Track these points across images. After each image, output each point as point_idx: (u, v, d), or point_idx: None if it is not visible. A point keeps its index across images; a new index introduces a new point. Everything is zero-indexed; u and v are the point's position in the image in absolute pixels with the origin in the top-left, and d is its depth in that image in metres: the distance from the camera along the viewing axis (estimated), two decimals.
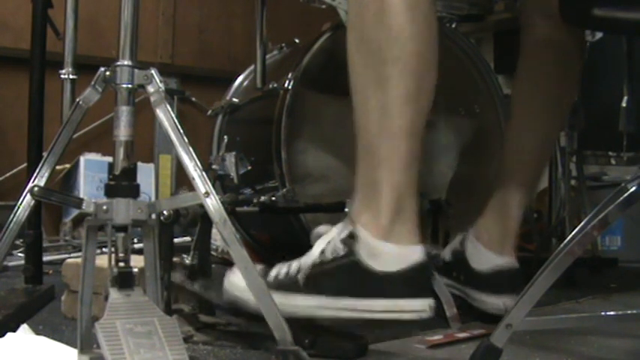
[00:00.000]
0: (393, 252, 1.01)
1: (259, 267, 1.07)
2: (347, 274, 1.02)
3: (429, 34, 1.03)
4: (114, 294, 0.85)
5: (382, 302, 1.01)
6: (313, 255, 1.05)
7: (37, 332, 1.09)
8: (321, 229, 1.09)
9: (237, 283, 1.08)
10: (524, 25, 1.37)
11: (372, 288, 1.01)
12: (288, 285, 1.02)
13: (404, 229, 1.02)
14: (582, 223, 0.97)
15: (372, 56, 1.03)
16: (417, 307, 1.01)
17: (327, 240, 1.06)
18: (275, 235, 1.92)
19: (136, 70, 0.93)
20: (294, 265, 1.06)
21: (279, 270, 1.07)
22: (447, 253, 1.47)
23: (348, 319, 1.03)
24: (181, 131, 0.93)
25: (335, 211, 1.43)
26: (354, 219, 1.04)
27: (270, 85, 1.69)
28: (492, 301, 1.33)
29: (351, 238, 1.03)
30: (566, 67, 1.36)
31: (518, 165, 1.39)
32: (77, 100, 0.93)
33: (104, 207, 0.89)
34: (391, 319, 1.02)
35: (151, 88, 0.93)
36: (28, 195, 0.91)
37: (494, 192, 1.42)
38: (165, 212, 1.12)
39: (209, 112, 2.06)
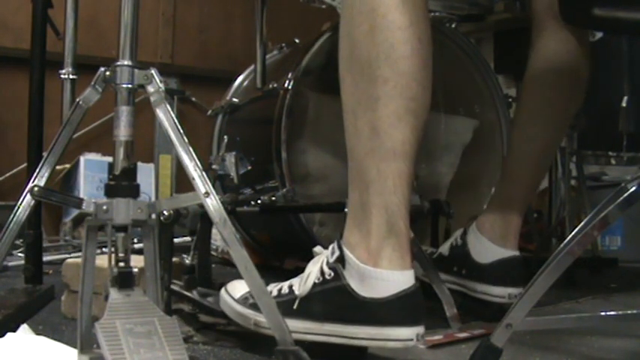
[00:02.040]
0: (381, 277, 0.99)
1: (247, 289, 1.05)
2: (334, 299, 1.01)
3: (423, 54, 1.00)
4: (114, 294, 0.85)
5: (367, 330, 0.99)
6: (304, 278, 1.04)
7: (37, 332, 1.09)
8: (316, 249, 1.08)
9: (231, 305, 1.08)
10: (535, 32, 1.37)
11: (358, 314, 0.99)
12: (281, 307, 1.00)
13: (394, 254, 1.00)
14: (582, 223, 0.97)
15: (362, 75, 1.01)
16: (402, 335, 0.99)
17: (318, 263, 1.04)
18: (275, 235, 1.92)
19: (136, 70, 0.93)
20: (286, 286, 1.06)
21: (272, 291, 1.05)
22: (444, 249, 1.47)
23: (335, 344, 1.01)
24: (181, 131, 0.93)
25: (335, 211, 1.43)
26: (344, 241, 1.03)
27: (270, 85, 1.69)
28: (497, 292, 1.34)
29: (339, 262, 1.02)
30: (576, 77, 1.36)
31: (522, 166, 1.40)
32: (77, 100, 0.93)
33: (104, 207, 0.89)
34: (377, 347, 1.01)
35: (151, 88, 0.93)
36: (28, 195, 0.91)
37: (497, 187, 1.44)
38: (165, 212, 1.12)
39: (209, 112, 2.06)
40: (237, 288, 1.10)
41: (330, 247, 1.05)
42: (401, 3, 0.99)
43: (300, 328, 1.01)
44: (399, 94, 0.99)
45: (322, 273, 1.02)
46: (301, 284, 1.03)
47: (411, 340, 0.99)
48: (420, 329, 0.99)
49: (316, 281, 1.02)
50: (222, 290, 1.12)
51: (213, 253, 1.73)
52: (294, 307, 1.01)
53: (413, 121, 1.00)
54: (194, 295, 1.21)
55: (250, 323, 1.05)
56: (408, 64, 0.99)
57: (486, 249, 1.38)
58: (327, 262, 1.03)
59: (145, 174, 2.78)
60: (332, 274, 1.02)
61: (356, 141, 1.03)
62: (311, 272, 1.04)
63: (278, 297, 1.04)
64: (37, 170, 0.91)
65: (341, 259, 1.02)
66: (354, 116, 1.03)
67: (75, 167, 2.69)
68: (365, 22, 1.01)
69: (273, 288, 1.06)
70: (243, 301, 1.07)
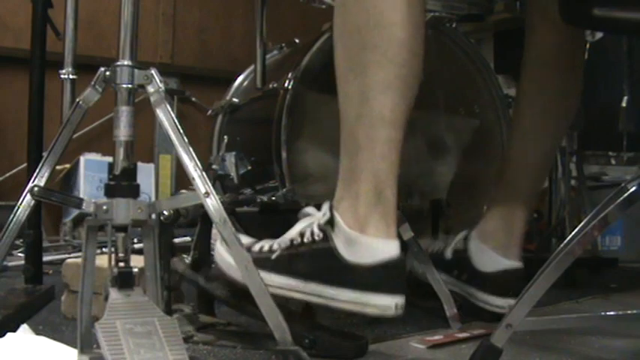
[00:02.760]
0: (367, 244, 1.01)
1: (248, 241, 1.07)
2: (320, 260, 1.02)
3: (414, 21, 1.01)
4: (114, 294, 0.85)
5: (348, 293, 1.01)
6: (290, 235, 1.06)
7: (37, 332, 1.09)
8: (307, 209, 1.09)
9: (227, 260, 1.08)
10: (528, 32, 1.37)
11: (342, 277, 1.01)
12: (262, 261, 1.02)
13: (380, 222, 1.02)
14: (582, 223, 0.97)
15: (352, 42, 1.02)
16: (382, 302, 1.00)
17: (307, 222, 1.06)
18: (275, 235, 1.92)
19: (136, 70, 0.93)
20: (276, 244, 1.07)
21: (262, 245, 1.08)
22: (448, 252, 1.47)
23: (313, 303, 1.03)
24: (181, 131, 0.93)
25: None
26: (335, 205, 1.04)
27: (270, 85, 1.69)
28: (496, 303, 1.33)
29: (329, 224, 1.03)
30: (571, 76, 1.36)
31: (521, 171, 1.38)
32: (77, 100, 0.93)
33: (104, 207, 0.89)
34: (355, 311, 1.01)
35: (151, 88, 0.93)
36: (28, 195, 0.91)
37: (498, 195, 1.42)
38: (165, 212, 1.12)
39: (209, 112, 2.06)
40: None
41: (322, 209, 1.06)
42: None
43: (284, 284, 1.03)
44: (388, 61, 1.00)
45: (312, 233, 1.04)
46: (290, 241, 1.06)
47: (390, 308, 1.00)
48: (399, 299, 1.01)
49: (305, 240, 1.05)
50: (217, 242, 1.13)
51: (213, 253, 1.73)
52: (278, 262, 1.03)
53: (402, 88, 1.01)
54: (197, 277, 1.20)
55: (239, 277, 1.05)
56: (397, 30, 1.00)
57: (488, 258, 1.37)
58: (318, 224, 1.04)
59: (145, 174, 2.78)
60: (321, 235, 1.04)
61: (347, 106, 1.04)
62: (300, 230, 1.06)
63: (265, 252, 1.06)
64: (37, 170, 0.91)
65: (330, 222, 1.03)
66: (346, 82, 1.04)
67: (75, 167, 2.69)
68: None
69: (265, 243, 1.08)
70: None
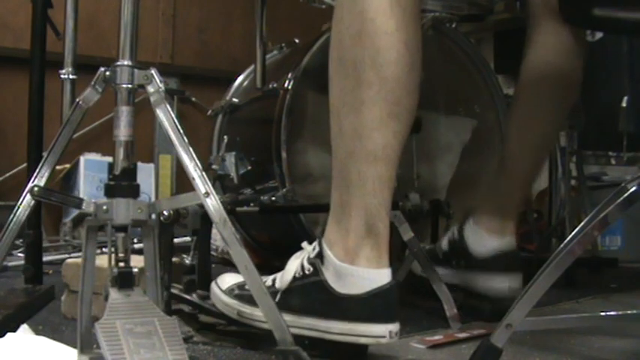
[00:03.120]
0: (357, 275, 1.01)
1: (241, 279, 1.07)
2: (311, 294, 1.03)
3: (409, 59, 1.00)
4: (114, 294, 0.85)
5: (340, 325, 1.01)
6: (286, 272, 1.06)
7: (37, 332, 1.10)
8: (304, 244, 1.10)
9: (218, 295, 1.12)
10: (530, 28, 1.37)
11: (333, 309, 1.01)
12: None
13: (371, 253, 1.02)
14: (582, 223, 0.97)
15: (348, 78, 1.01)
16: (375, 332, 1.00)
17: (298, 259, 1.07)
18: (275, 235, 1.92)
19: (136, 70, 0.93)
20: (270, 280, 1.08)
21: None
22: (444, 244, 1.48)
23: (310, 337, 1.03)
24: (181, 131, 0.93)
25: None
26: (325, 238, 1.05)
27: (270, 85, 1.69)
28: (496, 282, 1.36)
29: (318, 258, 1.04)
30: (570, 70, 1.36)
31: (517, 157, 1.40)
32: (77, 100, 0.93)
33: (104, 207, 0.89)
34: (349, 342, 1.02)
35: (150, 88, 0.93)
36: (28, 195, 0.91)
37: (492, 181, 1.45)
38: (165, 212, 1.12)
39: (209, 112, 2.06)
40: (226, 280, 1.13)
41: (313, 244, 1.07)
42: (389, 7, 0.99)
43: None
44: (382, 99, 1.00)
45: (302, 268, 1.05)
46: (282, 278, 1.06)
47: (384, 337, 1.01)
48: (393, 327, 1.01)
49: (297, 275, 1.05)
50: (213, 283, 1.15)
51: (213, 253, 1.73)
52: (276, 300, 1.03)
53: (396, 126, 1.01)
54: (194, 297, 1.21)
55: (234, 313, 1.09)
56: (393, 69, 1.00)
57: (484, 240, 1.39)
58: (308, 258, 1.05)
59: (145, 174, 2.78)
60: (311, 269, 1.04)
61: (339, 142, 1.04)
62: (291, 267, 1.06)
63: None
64: (37, 170, 0.91)
65: (320, 256, 1.04)
66: (339, 117, 1.04)
67: (75, 167, 2.68)
68: (353, 25, 1.01)
69: (267, 280, 1.08)
70: (229, 292, 1.11)
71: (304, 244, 1.09)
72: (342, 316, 1.01)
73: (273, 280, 1.08)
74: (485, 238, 1.39)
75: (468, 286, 1.41)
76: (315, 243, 1.06)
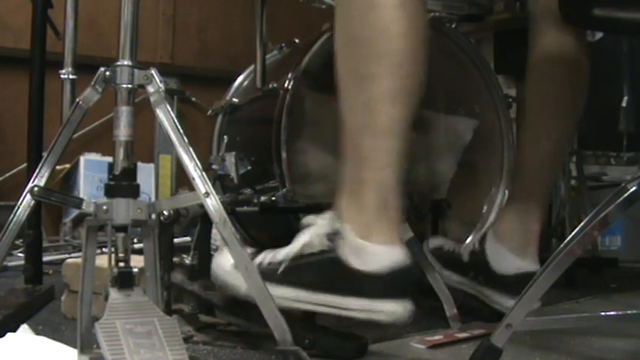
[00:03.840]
0: (375, 251, 1.01)
1: (249, 250, 1.07)
2: (327, 270, 1.02)
3: (417, 32, 1.02)
4: (114, 294, 0.85)
5: (357, 301, 1.01)
6: (296, 246, 1.06)
7: (37, 332, 1.10)
8: (308, 219, 1.09)
9: (224, 265, 1.08)
10: (532, 32, 1.37)
11: (350, 286, 1.01)
12: (268, 274, 1.02)
13: (387, 229, 1.02)
14: (582, 223, 0.97)
15: (357, 54, 1.02)
16: (391, 309, 1.01)
17: (311, 232, 1.06)
18: (275, 235, 1.92)
19: (136, 70, 0.93)
20: (280, 254, 1.06)
21: (265, 257, 1.07)
22: (465, 255, 1.46)
23: (322, 313, 1.03)
24: (181, 131, 0.93)
25: None
26: (340, 215, 1.04)
27: (270, 85, 1.69)
28: (512, 304, 1.33)
29: (335, 234, 1.04)
30: (577, 73, 1.36)
31: (534, 172, 1.39)
32: (77, 100, 0.93)
33: (104, 207, 0.89)
34: (364, 319, 1.02)
35: (151, 88, 0.93)
36: (28, 195, 0.91)
37: (513, 196, 1.42)
38: (165, 212, 1.12)
39: (209, 112, 2.06)
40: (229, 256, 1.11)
41: (325, 219, 1.06)
42: None
43: (291, 296, 1.03)
44: (392, 72, 1.01)
45: (319, 243, 1.04)
46: (296, 252, 1.05)
47: (400, 313, 1.01)
48: (408, 304, 1.02)
49: (312, 251, 1.04)
50: (215, 261, 1.12)
51: (213, 253, 1.73)
52: (285, 274, 1.03)
53: (406, 99, 1.02)
54: (195, 287, 1.20)
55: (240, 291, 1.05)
56: (401, 42, 1.01)
57: (506, 259, 1.36)
58: (326, 233, 1.04)
59: (145, 174, 2.78)
60: (328, 245, 1.03)
61: (351, 117, 1.04)
62: (305, 241, 1.05)
63: (269, 264, 1.05)
64: (37, 170, 0.91)
65: (336, 231, 1.03)
66: (349, 93, 1.04)
67: (75, 167, 2.69)
68: (359, 2, 1.02)
69: (267, 255, 1.07)
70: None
71: (311, 218, 1.08)
72: (359, 292, 1.01)
73: (281, 257, 1.06)
74: (507, 258, 1.36)
75: (484, 300, 1.39)
76: (329, 218, 1.05)
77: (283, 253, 1.07)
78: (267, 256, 1.07)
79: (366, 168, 1.02)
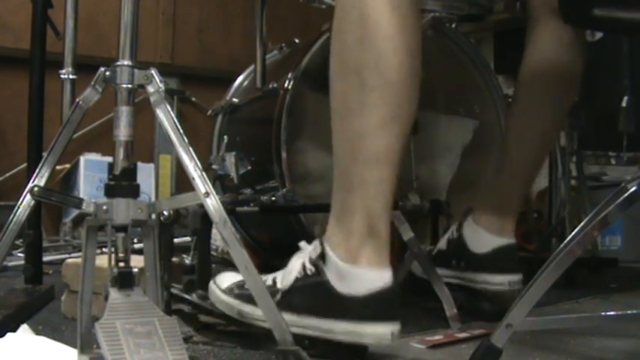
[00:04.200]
0: (359, 275, 1.01)
1: (240, 278, 1.08)
2: (314, 294, 1.04)
3: (411, 63, 1.01)
4: (114, 294, 0.85)
5: (343, 325, 1.02)
6: (288, 272, 1.07)
7: (37, 332, 1.10)
8: (301, 244, 1.10)
9: (218, 295, 1.12)
10: (530, 31, 1.38)
11: (336, 309, 1.02)
12: None
13: (373, 254, 1.02)
14: (582, 223, 0.97)
15: (350, 82, 1.02)
16: (378, 332, 1.01)
17: (300, 258, 1.07)
18: (275, 235, 1.92)
19: (136, 70, 0.93)
20: (270, 279, 1.08)
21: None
22: (442, 244, 1.48)
23: (311, 336, 1.03)
24: (181, 131, 0.93)
25: None
26: (326, 239, 1.05)
27: (270, 85, 1.69)
28: (496, 280, 1.36)
29: (320, 259, 1.04)
30: (570, 71, 1.36)
31: (517, 156, 1.40)
32: (77, 100, 0.93)
33: (104, 207, 0.89)
34: (352, 342, 1.02)
35: (150, 88, 0.93)
36: (28, 195, 0.91)
37: (491, 180, 1.45)
38: (165, 212, 1.12)
39: (209, 112, 2.06)
40: (225, 280, 1.14)
41: (313, 244, 1.07)
42: (390, 11, 1.00)
43: None
44: (385, 103, 1.01)
45: (304, 268, 1.05)
46: (284, 278, 1.06)
47: (386, 337, 1.01)
48: (395, 327, 1.02)
49: (298, 276, 1.06)
50: (211, 282, 1.15)
51: (213, 253, 1.73)
52: (277, 299, 1.03)
53: (397, 128, 1.02)
54: (194, 297, 1.21)
55: (234, 312, 1.10)
56: (395, 73, 1.00)
57: (483, 239, 1.39)
58: (310, 258, 1.06)
59: (145, 174, 2.78)
60: (313, 269, 1.05)
61: (341, 144, 1.05)
62: (294, 267, 1.07)
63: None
64: (37, 170, 0.91)
65: (322, 256, 1.04)
66: (341, 120, 1.04)
67: (75, 167, 2.68)
68: (355, 30, 1.02)
69: (267, 279, 1.08)
70: (229, 291, 1.11)
71: (302, 243, 1.10)
72: (345, 316, 1.01)
73: (274, 280, 1.08)
74: (484, 237, 1.39)
75: (468, 286, 1.41)
76: (316, 243, 1.07)
77: (275, 279, 1.08)
78: (267, 281, 1.08)
79: (354, 196, 1.03)
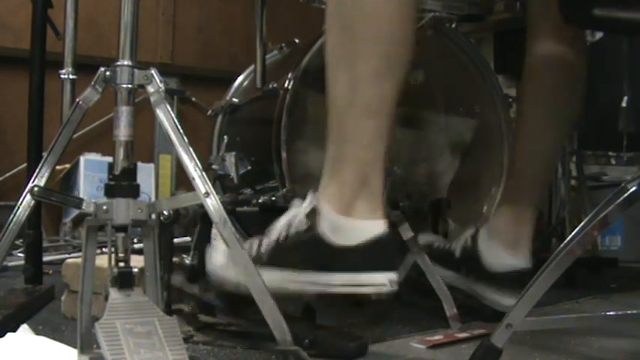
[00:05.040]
0: (353, 226, 1.02)
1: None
2: (309, 248, 1.03)
3: (404, 14, 1.02)
4: (114, 294, 0.85)
5: (341, 276, 1.02)
6: (277, 229, 1.07)
7: (37, 332, 1.10)
8: (295, 201, 1.10)
9: (219, 261, 1.11)
10: (530, 33, 1.37)
11: (333, 262, 1.02)
12: (255, 259, 1.02)
13: (367, 205, 1.03)
14: (582, 223, 0.97)
15: (344, 33, 1.03)
16: (375, 280, 1.01)
17: (292, 214, 1.07)
18: None
19: (136, 70, 0.93)
20: (264, 240, 1.08)
21: (251, 244, 1.08)
22: (457, 250, 1.46)
23: (311, 292, 1.03)
24: (181, 131, 0.93)
25: None
26: (319, 193, 1.05)
27: (270, 85, 1.69)
28: (505, 302, 1.33)
29: (314, 213, 1.04)
30: (573, 74, 1.36)
31: (529, 168, 1.39)
32: (77, 100, 0.93)
33: (104, 207, 0.89)
34: (351, 293, 1.02)
35: (151, 88, 0.93)
36: (28, 195, 0.91)
37: (506, 193, 1.44)
38: (165, 212, 1.12)
39: (209, 112, 2.06)
40: (220, 251, 1.13)
41: (308, 199, 1.07)
42: None
43: (278, 277, 1.03)
44: (377, 53, 1.01)
45: (298, 223, 1.05)
46: (278, 235, 1.06)
47: (384, 284, 1.01)
48: (392, 275, 1.02)
49: (292, 231, 1.06)
50: (209, 250, 1.14)
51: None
52: (271, 257, 1.04)
53: (391, 79, 1.03)
54: (195, 289, 1.21)
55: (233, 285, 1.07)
56: (387, 23, 1.01)
57: (498, 256, 1.37)
58: (304, 213, 1.06)
59: (145, 174, 2.78)
60: (308, 223, 1.05)
61: (335, 96, 1.05)
62: (286, 222, 1.07)
63: (258, 250, 1.06)
64: (37, 170, 0.91)
65: (315, 211, 1.04)
66: (335, 71, 1.05)
67: (75, 167, 2.69)
68: None
69: (252, 243, 1.08)
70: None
71: (296, 201, 1.10)
72: (342, 267, 1.01)
73: (260, 241, 1.07)
74: (499, 253, 1.37)
75: (476, 296, 1.40)
76: (310, 198, 1.06)
77: (267, 239, 1.08)
78: (253, 243, 1.08)
79: (347, 146, 1.03)
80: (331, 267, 1.02)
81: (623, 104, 1.89)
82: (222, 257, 1.11)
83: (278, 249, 1.05)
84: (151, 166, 2.89)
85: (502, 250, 1.37)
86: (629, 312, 1.06)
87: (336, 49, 1.05)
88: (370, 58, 1.01)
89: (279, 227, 1.07)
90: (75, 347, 0.89)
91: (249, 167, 1.74)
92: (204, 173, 0.92)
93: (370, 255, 1.01)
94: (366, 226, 1.02)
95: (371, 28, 1.01)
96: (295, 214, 1.07)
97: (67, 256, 2.08)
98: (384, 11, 1.01)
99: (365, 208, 1.02)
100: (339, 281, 1.02)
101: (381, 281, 1.01)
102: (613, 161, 2.16)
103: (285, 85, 1.65)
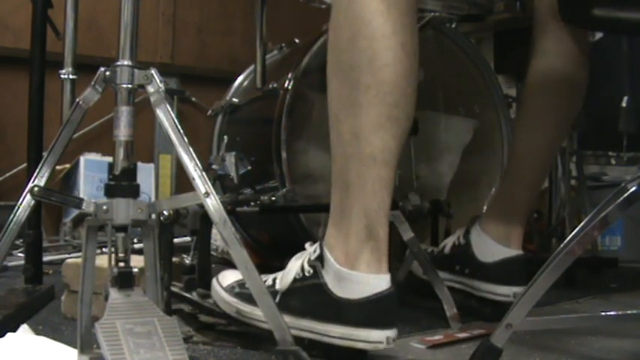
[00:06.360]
0: (357, 280, 1.01)
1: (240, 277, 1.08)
2: (310, 296, 1.03)
3: (406, 62, 1.00)
4: (114, 294, 0.85)
5: (339, 328, 1.01)
6: (287, 273, 1.07)
7: (37, 332, 1.10)
8: (307, 245, 1.10)
9: (219, 292, 1.13)
10: (535, 34, 1.38)
11: (332, 313, 1.01)
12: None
13: (371, 258, 1.01)
14: (582, 223, 0.97)
15: (345, 81, 1.02)
16: (372, 338, 1.00)
17: (299, 260, 1.07)
18: (275, 235, 1.92)
19: (136, 70, 0.93)
20: (270, 279, 1.08)
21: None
22: (446, 248, 1.47)
23: (306, 339, 1.03)
24: (181, 131, 0.93)
25: None
26: (325, 241, 1.05)
27: (270, 85, 1.69)
28: (502, 291, 1.35)
29: (318, 261, 1.04)
30: (576, 78, 1.36)
31: (525, 164, 1.40)
32: (77, 100, 0.93)
33: (104, 207, 0.89)
34: (346, 346, 1.02)
35: (150, 88, 0.93)
36: (28, 195, 0.91)
37: (499, 187, 1.44)
38: (165, 212, 1.12)
39: (209, 112, 2.06)
40: (227, 277, 1.14)
41: (313, 246, 1.07)
42: (386, 10, 0.99)
43: None
44: (380, 102, 1.00)
45: (302, 270, 1.05)
46: (283, 279, 1.06)
47: (381, 342, 1.00)
48: (391, 333, 1.01)
49: (296, 277, 1.05)
50: (214, 279, 1.16)
51: (213, 253, 1.73)
52: (276, 300, 1.03)
53: (394, 128, 1.01)
54: (194, 296, 1.21)
55: (233, 311, 1.10)
56: (389, 72, 0.99)
57: (490, 248, 1.38)
58: (309, 260, 1.05)
59: (145, 174, 2.78)
60: (311, 271, 1.04)
61: (338, 145, 1.04)
62: (292, 268, 1.07)
63: (272, 287, 1.06)
64: (37, 170, 0.91)
65: (320, 258, 1.04)
66: (337, 120, 1.04)
67: (75, 167, 2.69)
68: (349, 28, 1.01)
69: (268, 278, 1.08)
70: (230, 289, 1.12)
71: (307, 244, 1.09)
72: (341, 319, 1.01)
73: (274, 280, 1.08)
74: (491, 246, 1.38)
75: (472, 290, 1.40)
76: (316, 245, 1.06)
77: (274, 279, 1.08)
78: (268, 280, 1.08)
79: (351, 196, 1.02)
80: (330, 318, 1.02)
81: (623, 104, 1.89)
82: (220, 288, 1.13)
83: (282, 293, 1.05)
84: (151, 166, 2.89)
85: (494, 242, 1.38)
86: (629, 312, 1.06)
87: (338, 98, 1.03)
88: (372, 108, 0.99)
89: (287, 271, 1.07)
90: (75, 347, 0.89)
91: (249, 167, 1.74)
92: (204, 173, 0.92)
93: (371, 311, 1.00)
94: (369, 281, 1.01)
95: (372, 76, 0.99)
96: (301, 260, 1.06)
97: (67, 256, 2.08)
98: (385, 59, 0.99)
99: (369, 260, 1.01)
100: (337, 333, 1.01)
101: (378, 338, 1.00)
102: (613, 161, 2.15)
103: (285, 85, 1.65)
